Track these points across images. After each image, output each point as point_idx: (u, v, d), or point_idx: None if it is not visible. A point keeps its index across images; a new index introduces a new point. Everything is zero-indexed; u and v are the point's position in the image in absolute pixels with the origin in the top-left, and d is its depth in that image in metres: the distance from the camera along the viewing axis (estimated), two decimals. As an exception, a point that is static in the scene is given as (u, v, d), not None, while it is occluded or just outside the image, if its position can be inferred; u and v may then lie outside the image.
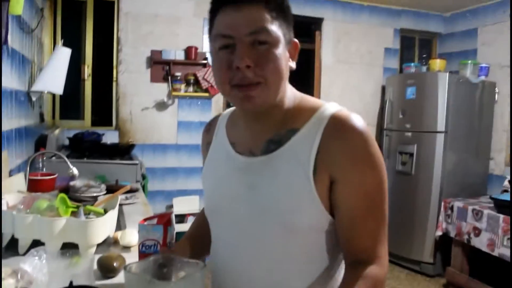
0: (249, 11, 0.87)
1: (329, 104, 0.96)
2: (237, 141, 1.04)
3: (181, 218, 4.13)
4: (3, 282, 1.12)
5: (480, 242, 3.43)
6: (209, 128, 1.16)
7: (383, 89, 4.91)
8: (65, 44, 2.93)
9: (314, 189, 0.90)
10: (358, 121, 0.91)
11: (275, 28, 0.89)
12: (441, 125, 4.10)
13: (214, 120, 1.16)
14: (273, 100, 0.93)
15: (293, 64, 0.96)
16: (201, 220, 1.21)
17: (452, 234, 3.74)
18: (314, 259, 0.96)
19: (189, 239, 1.18)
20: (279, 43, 0.90)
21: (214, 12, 0.92)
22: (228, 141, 1.06)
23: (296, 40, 0.97)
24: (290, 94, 0.99)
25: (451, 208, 3.77)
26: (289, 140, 0.94)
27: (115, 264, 1.27)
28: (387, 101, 4.61)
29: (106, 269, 1.26)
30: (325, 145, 0.90)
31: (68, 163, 2.21)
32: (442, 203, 3.91)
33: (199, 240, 1.17)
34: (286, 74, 0.94)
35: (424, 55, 5.24)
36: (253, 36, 0.87)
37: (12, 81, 2.25)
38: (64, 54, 2.86)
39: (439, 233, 3.89)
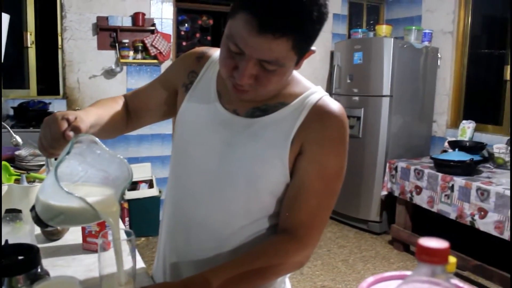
0: (271, 41, 0.81)
1: (317, 87, 1.03)
2: (224, 93, 1.03)
3: (134, 185, 4.14)
4: None
5: (421, 200, 3.64)
6: (202, 57, 1.11)
7: (332, 54, 4.99)
8: (4, 10, 2.82)
9: (287, 158, 0.96)
10: (341, 111, 1.00)
11: (291, 55, 0.87)
12: (386, 89, 4.25)
13: (209, 53, 1.11)
14: (264, 98, 0.98)
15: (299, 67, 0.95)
16: (115, 104, 1.18)
17: (396, 193, 3.95)
18: (265, 219, 1.03)
19: (98, 112, 1.05)
20: (288, 67, 0.89)
21: (241, 7, 0.83)
22: (215, 88, 1.05)
23: (313, 48, 0.92)
24: None
25: (395, 169, 3.96)
26: (277, 111, 0.99)
27: (58, 228, 1.29)
28: (336, 66, 4.71)
29: (49, 232, 1.29)
30: (308, 121, 0.97)
31: (11, 131, 2.17)
32: (387, 164, 4.10)
33: (106, 119, 1.09)
34: (285, 82, 0.97)
35: (372, 21, 5.34)
36: (263, 62, 0.86)
37: None
38: (2, 20, 2.75)
39: (384, 192, 4.09)
